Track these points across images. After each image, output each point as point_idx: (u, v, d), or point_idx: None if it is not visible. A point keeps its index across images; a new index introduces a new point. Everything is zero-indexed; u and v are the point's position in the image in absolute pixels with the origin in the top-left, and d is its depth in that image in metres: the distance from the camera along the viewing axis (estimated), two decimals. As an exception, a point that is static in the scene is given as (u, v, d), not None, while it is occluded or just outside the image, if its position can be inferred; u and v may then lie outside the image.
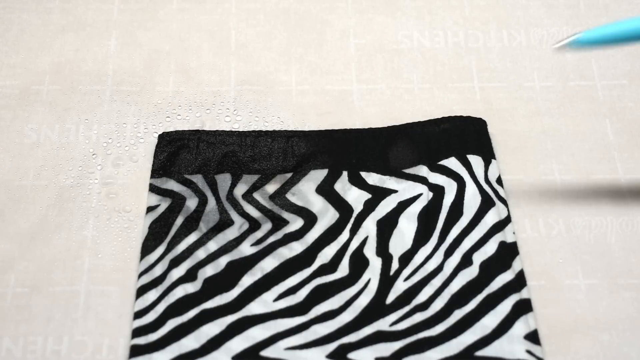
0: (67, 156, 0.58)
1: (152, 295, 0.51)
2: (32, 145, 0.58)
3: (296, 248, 0.53)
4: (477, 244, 0.53)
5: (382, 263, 0.52)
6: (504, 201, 0.55)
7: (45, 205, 0.55)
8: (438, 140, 0.57)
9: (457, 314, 0.50)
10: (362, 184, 0.56)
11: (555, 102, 0.61)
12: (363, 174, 0.56)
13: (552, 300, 0.52)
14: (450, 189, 0.55)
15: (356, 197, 0.55)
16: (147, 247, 0.53)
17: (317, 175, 0.56)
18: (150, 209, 0.54)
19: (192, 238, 0.53)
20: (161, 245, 0.53)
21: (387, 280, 0.52)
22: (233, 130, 0.58)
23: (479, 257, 0.52)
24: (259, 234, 0.54)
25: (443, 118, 0.58)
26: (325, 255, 0.53)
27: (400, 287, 0.51)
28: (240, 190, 0.55)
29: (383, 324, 0.50)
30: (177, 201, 0.55)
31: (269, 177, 0.56)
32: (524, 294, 0.51)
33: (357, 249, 0.53)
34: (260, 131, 0.58)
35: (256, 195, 0.55)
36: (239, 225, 0.54)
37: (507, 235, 0.53)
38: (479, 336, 0.49)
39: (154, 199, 0.55)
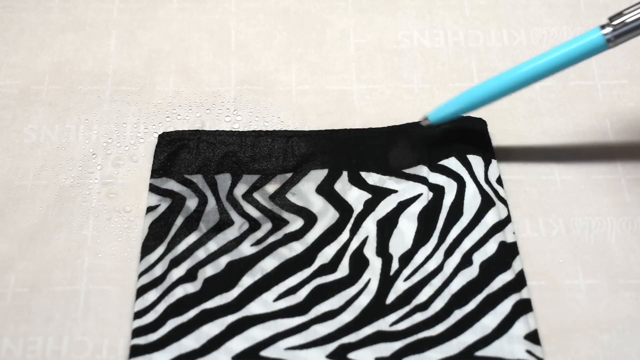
0: (67, 156, 0.58)
1: (152, 295, 0.51)
2: (32, 145, 0.58)
3: (296, 248, 0.53)
4: (477, 244, 0.53)
5: (382, 263, 0.52)
6: (504, 201, 0.55)
7: (45, 205, 0.55)
8: (438, 140, 0.57)
9: (457, 314, 0.50)
10: (362, 184, 0.56)
11: (555, 102, 0.61)
12: (363, 174, 0.56)
13: (552, 300, 0.52)
14: (450, 189, 0.55)
15: (356, 197, 0.55)
16: (147, 247, 0.53)
17: (317, 175, 0.56)
18: (150, 209, 0.54)
19: (192, 238, 0.53)
20: (161, 245, 0.53)
21: (387, 280, 0.52)
22: (233, 130, 0.58)
23: (479, 257, 0.52)
24: (259, 234, 0.54)
25: (443, 118, 0.58)
26: (325, 255, 0.53)
27: (400, 287, 0.51)
28: (240, 190, 0.55)
29: (383, 324, 0.50)
30: (177, 201, 0.55)
31: (269, 177, 0.56)
32: (524, 294, 0.51)
33: (357, 249, 0.53)
34: (261, 131, 0.58)
35: (256, 195, 0.55)
36: (239, 225, 0.54)
37: (507, 235, 0.53)
38: (479, 336, 0.49)
39: (154, 199, 0.55)
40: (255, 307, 0.51)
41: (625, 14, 0.51)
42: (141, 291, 0.51)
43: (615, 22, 0.51)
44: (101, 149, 0.58)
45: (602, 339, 0.50)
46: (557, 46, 0.53)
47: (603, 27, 0.52)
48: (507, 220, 0.54)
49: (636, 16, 0.51)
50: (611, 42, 0.52)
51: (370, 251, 0.53)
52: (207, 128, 0.59)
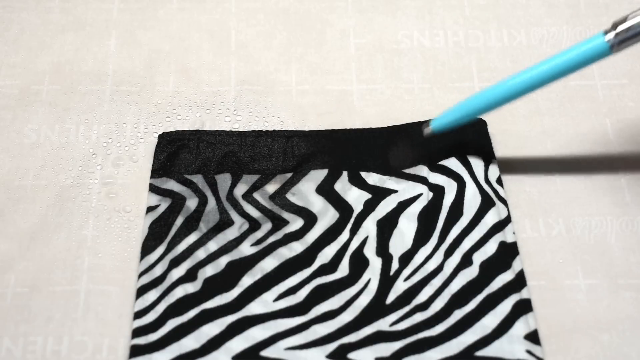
0: (67, 156, 0.58)
1: (152, 295, 0.51)
2: (32, 145, 0.58)
3: (296, 248, 0.53)
4: (477, 244, 0.53)
5: (382, 263, 0.52)
6: (504, 201, 0.55)
7: (45, 205, 0.55)
8: (438, 140, 0.57)
9: (457, 314, 0.50)
10: (362, 184, 0.56)
11: (555, 102, 0.61)
12: (363, 174, 0.56)
13: (552, 300, 0.52)
14: (451, 189, 0.55)
15: (356, 197, 0.55)
16: (147, 247, 0.53)
17: (317, 175, 0.56)
18: (150, 209, 0.54)
19: (192, 238, 0.53)
20: (161, 245, 0.53)
21: (387, 280, 0.52)
22: (233, 130, 0.58)
23: (479, 257, 0.52)
24: (259, 234, 0.54)
25: (443, 118, 0.58)
26: (325, 255, 0.53)
27: (400, 287, 0.51)
28: (240, 190, 0.55)
29: (383, 324, 0.50)
30: (177, 201, 0.55)
31: (269, 177, 0.56)
32: (524, 294, 0.51)
33: (357, 249, 0.53)
34: (260, 131, 0.58)
35: (256, 195, 0.55)
36: (239, 225, 0.54)
37: (507, 235, 0.53)
38: (479, 336, 0.49)
39: (154, 199, 0.55)
40: (255, 307, 0.51)
41: (630, 19, 0.50)
42: (141, 291, 0.51)
43: (619, 29, 0.51)
44: (101, 149, 0.58)
45: (602, 339, 0.50)
46: (559, 52, 0.52)
47: (606, 32, 0.51)
48: (507, 220, 0.54)
49: None
50: (615, 47, 0.51)
51: (370, 251, 0.53)
52: (207, 128, 0.59)
